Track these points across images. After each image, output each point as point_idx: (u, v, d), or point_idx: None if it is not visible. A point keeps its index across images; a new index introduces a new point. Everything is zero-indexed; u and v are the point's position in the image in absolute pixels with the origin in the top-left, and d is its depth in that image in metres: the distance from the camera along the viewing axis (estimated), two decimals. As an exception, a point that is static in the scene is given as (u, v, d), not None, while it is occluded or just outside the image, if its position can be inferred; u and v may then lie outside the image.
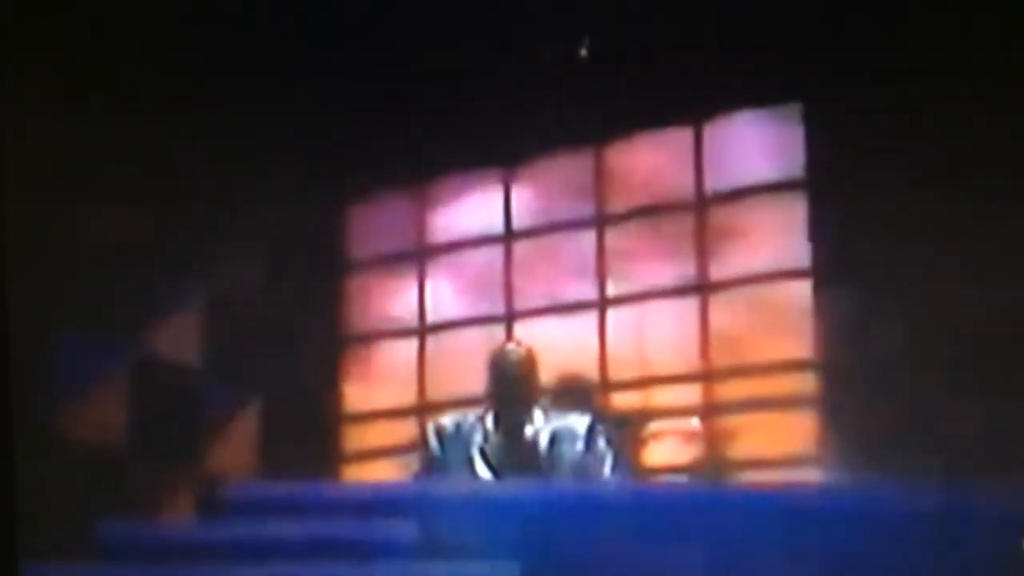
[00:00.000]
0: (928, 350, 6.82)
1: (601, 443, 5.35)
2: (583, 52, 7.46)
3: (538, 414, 5.32)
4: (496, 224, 8.12)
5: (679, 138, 7.72)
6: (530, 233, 8.04)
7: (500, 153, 8.05)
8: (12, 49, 6.48)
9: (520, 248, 7.99)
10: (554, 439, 5.28)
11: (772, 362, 7.37)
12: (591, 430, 5.34)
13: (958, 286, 6.81)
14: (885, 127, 7.05)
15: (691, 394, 7.47)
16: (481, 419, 5.34)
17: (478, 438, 5.30)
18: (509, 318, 7.54)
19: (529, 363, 5.41)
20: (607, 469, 5.25)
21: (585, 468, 5.23)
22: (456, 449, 5.30)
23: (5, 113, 6.44)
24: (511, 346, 5.73)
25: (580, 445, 5.28)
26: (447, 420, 5.46)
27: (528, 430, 5.28)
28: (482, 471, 5.25)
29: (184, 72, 7.48)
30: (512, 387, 5.33)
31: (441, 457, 5.32)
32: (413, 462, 5.53)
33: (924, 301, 6.87)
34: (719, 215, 7.62)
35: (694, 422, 7.39)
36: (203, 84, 7.57)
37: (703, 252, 7.59)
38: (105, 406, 7.26)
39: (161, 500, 7.37)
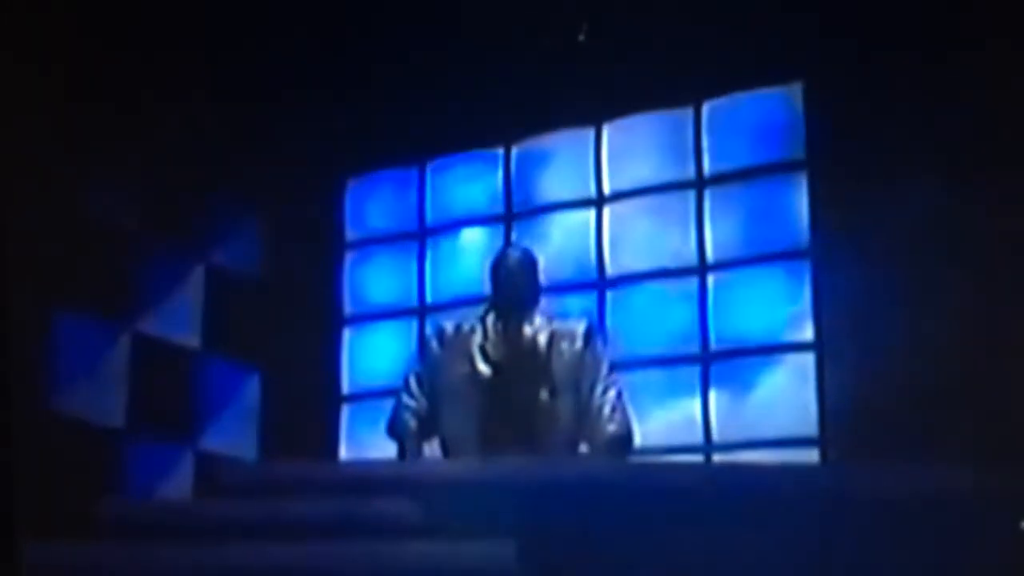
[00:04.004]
0: (928, 333, 6.82)
1: (599, 344, 5.42)
2: (581, 37, 7.47)
3: (538, 315, 5.40)
4: (497, 203, 8.13)
5: (679, 117, 7.72)
6: (531, 212, 8.05)
7: (501, 132, 8.06)
8: (8, 37, 6.50)
9: (521, 227, 7.99)
10: (553, 338, 5.34)
11: (770, 344, 7.39)
12: (590, 330, 5.41)
13: (961, 269, 6.80)
14: (887, 107, 7.05)
15: (693, 375, 7.49)
16: (482, 319, 5.40)
17: (478, 337, 5.35)
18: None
19: (529, 264, 5.47)
20: (604, 370, 5.33)
21: (583, 367, 5.28)
22: (456, 348, 5.36)
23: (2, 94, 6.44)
24: (512, 248, 5.78)
25: (579, 344, 5.34)
26: (447, 322, 5.53)
27: (527, 329, 5.35)
28: (482, 368, 5.30)
29: (181, 51, 7.48)
30: (512, 287, 5.39)
31: (441, 356, 5.37)
32: (414, 363, 5.56)
33: (926, 282, 6.87)
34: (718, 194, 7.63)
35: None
36: (201, 63, 7.57)
37: (702, 230, 7.60)
38: (104, 384, 7.27)
39: (160, 478, 7.39)
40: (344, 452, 8.10)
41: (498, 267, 5.52)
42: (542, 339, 5.39)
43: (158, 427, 7.43)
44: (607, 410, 5.30)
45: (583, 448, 5.39)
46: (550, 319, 5.46)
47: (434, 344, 5.49)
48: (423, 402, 5.42)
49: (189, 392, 7.67)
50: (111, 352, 7.34)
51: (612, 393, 5.34)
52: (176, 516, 5.06)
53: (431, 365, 5.46)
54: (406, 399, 5.45)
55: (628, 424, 5.36)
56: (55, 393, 6.99)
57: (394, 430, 5.48)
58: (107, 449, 7.19)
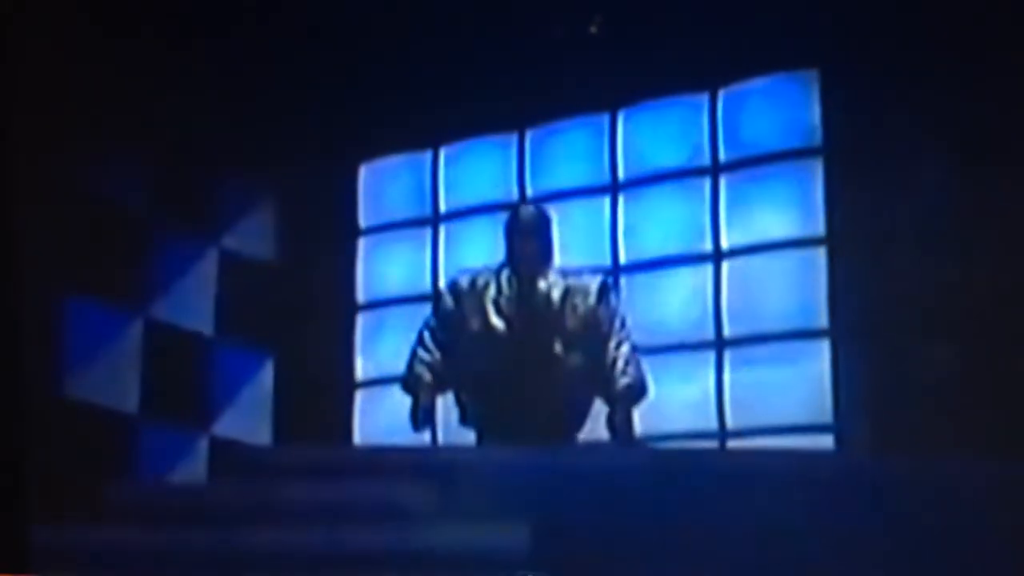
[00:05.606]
0: (944, 321, 6.79)
1: (613, 299, 5.48)
2: (593, 30, 7.47)
3: (552, 271, 5.45)
4: (511, 189, 8.11)
5: (693, 105, 7.69)
6: (542, 199, 8.01)
7: (515, 117, 8.03)
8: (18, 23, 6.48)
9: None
10: (567, 293, 5.41)
11: (786, 330, 7.36)
12: (604, 286, 5.47)
13: (975, 255, 6.77)
14: (902, 93, 7.01)
15: (706, 360, 7.46)
16: (496, 274, 5.45)
17: (492, 292, 5.43)
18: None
19: (543, 221, 5.52)
20: (617, 324, 5.38)
21: (597, 322, 5.35)
22: (470, 302, 5.42)
23: (13, 78, 6.43)
24: (526, 205, 5.86)
25: (593, 299, 5.40)
26: (462, 276, 5.58)
27: (541, 284, 5.41)
28: (495, 322, 5.37)
29: (195, 35, 7.47)
30: (527, 242, 5.45)
31: (455, 311, 5.42)
32: (429, 320, 5.58)
33: (939, 270, 6.84)
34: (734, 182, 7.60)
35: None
36: (214, 46, 7.56)
37: (717, 218, 7.57)
38: (117, 369, 7.27)
39: (173, 464, 7.38)
40: (357, 439, 8.08)
41: (512, 223, 5.57)
42: (556, 294, 5.46)
43: (171, 413, 7.43)
44: (620, 363, 5.37)
45: (597, 401, 5.43)
46: (564, 275, 5.51)
47: (448, 298, 5.54)
48: (437, 355, 5.48)
49: (202, 378, 7.67)
50: (124, 338, 7.34)
51: (625, 347, 5.40)
52: (188, 500, 5.07)
53: (445, 319, 5.51)
54: (421, 352, 5.51)
55: (641, 377, 5.42)
56: (68, 379, 7.00)
57: (408, 384, 5.52)
58: (120, 435, 7.19)
